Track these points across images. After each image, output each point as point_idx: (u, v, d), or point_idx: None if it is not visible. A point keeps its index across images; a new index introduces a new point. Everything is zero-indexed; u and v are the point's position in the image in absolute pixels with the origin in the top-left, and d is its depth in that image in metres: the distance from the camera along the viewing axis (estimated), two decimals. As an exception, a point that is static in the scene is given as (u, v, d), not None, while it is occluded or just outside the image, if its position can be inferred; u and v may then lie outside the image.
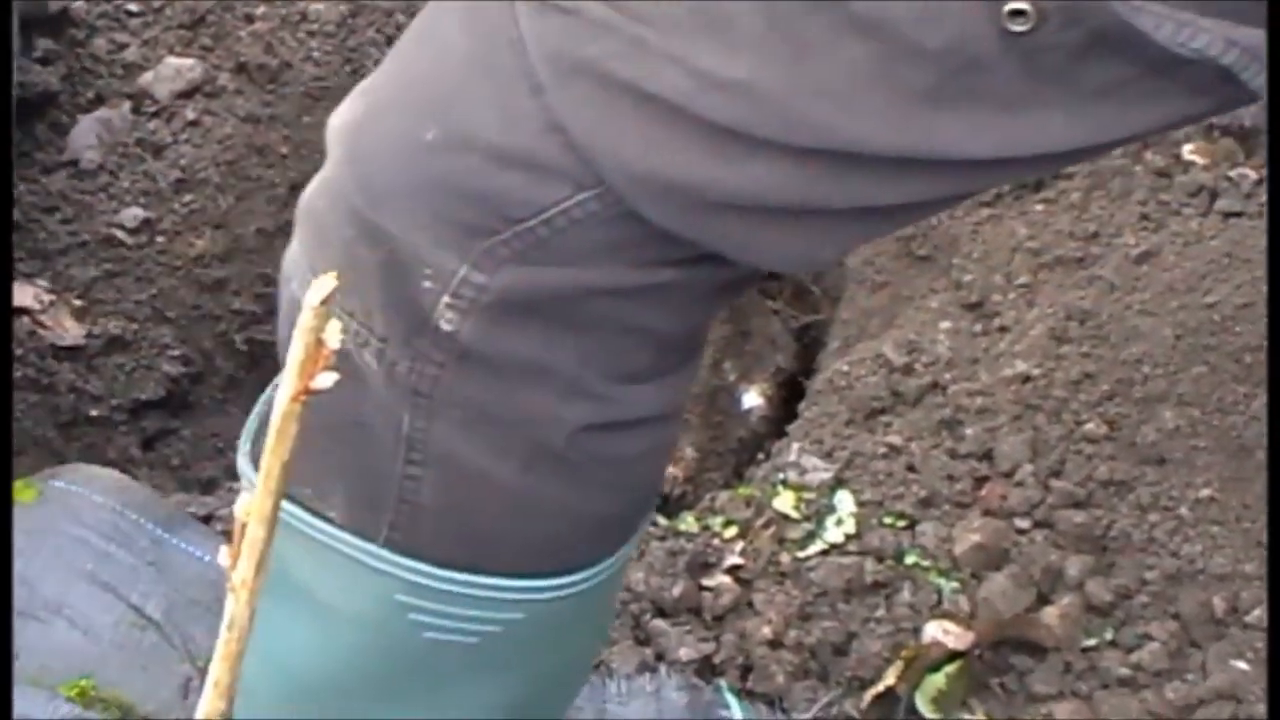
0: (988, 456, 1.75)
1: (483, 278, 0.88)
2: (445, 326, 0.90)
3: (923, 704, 1.58)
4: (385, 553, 0.97)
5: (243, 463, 1.02)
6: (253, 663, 1.03)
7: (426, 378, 0.92)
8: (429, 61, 0.91)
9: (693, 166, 0.85)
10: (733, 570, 1.66)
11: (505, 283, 0.88)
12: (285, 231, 2.34)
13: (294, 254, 0.97)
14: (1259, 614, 1.62)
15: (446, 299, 0.89)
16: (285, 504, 0.95)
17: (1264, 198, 1.92)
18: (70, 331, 2.01)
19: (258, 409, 1.04)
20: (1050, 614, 1.62)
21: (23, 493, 1.63)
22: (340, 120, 0.94)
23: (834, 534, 1.68)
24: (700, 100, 0.83)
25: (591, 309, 0.90)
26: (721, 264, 0.90)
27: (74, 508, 1.63)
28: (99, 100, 2.18)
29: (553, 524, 0.97)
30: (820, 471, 1.75)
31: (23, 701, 1.47)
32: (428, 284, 0.89)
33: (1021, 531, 1.68)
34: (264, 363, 2.13)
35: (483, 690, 1.04)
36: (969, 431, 1.76)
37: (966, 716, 1.58)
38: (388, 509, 0.96)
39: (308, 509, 0.98)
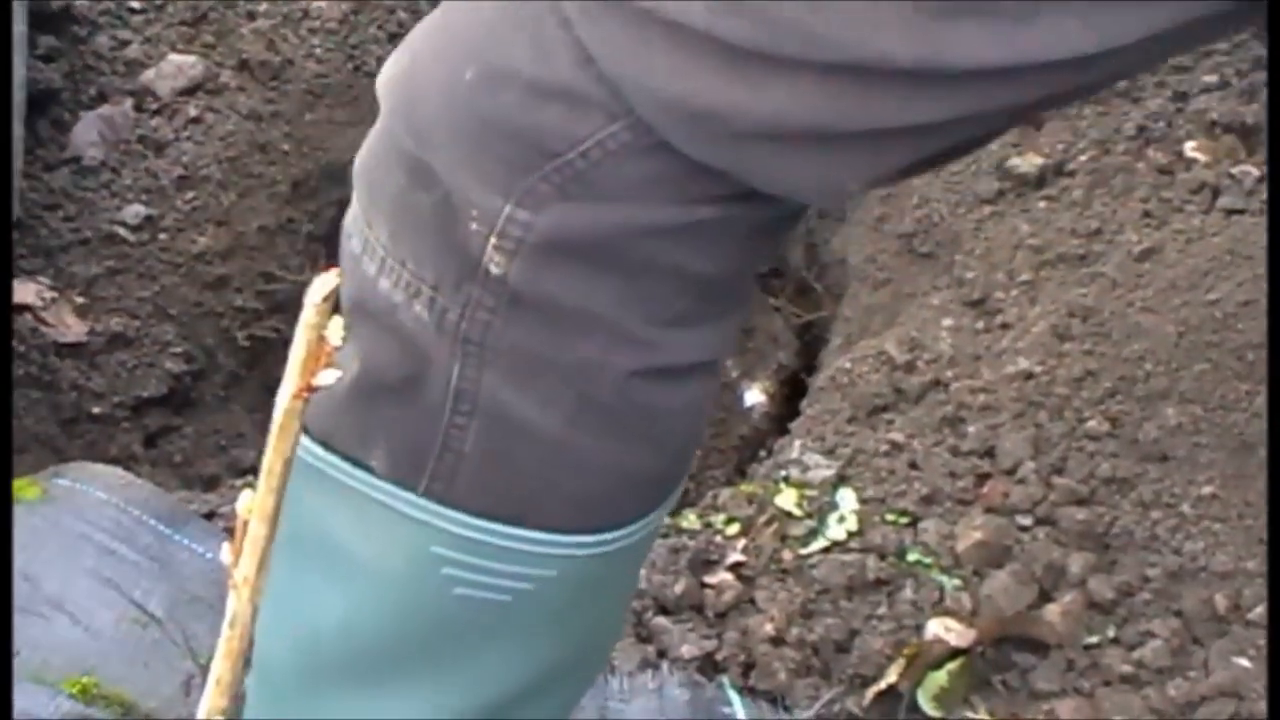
0: (990, 454, 1.75)
1: (527, 215, 0.90)
2: (494, 270, 0.91)
3: (925, 701, 1.58)
4: (425, 502, 0.98)
5: None
6: (273, 633, 1.04)
7: (477, 325, 0.93)
8: (467, 9, 0.94)
9: (717, 92, 0.86)
10: (735, 567, 1.66)
11: (549, 221, 0.90)
12: (287, 229, 2.35)
13: (353, 212, 0.99)
14: (1261, 611, 1.62)
15: (493, 240, 0.91)
16: (326, 455, 0.98)
17: (1265, 195, 1.92)
18: (72, 329, 2.01)
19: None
20: (1052, 611, 1.62)
21: (27, 490, 1.64)
22: (387, 74, 0.96)
23: (836, 531, 1.68)
24: (721, 24, 0.84)
25: (633, 250, 0.91)
26: (756, 202, 0.92)
27: (77, 505, 1.63)
28: (101, 97, 2.18)
29: (593, 479, 0.98)
30: (822, 469, 1.75)
31: (24, 698, 1.47)
32: (475, 225, 0.91)
33: (1023, 529, 1.68)
34: (266, 359, 2.13)
35: (510, 656, 1.05)
36: (971, 429, 1.76)
37: (969, 714, 1.58)
38: (430, 459, 0.97)
39: (349, 459, 0.99)
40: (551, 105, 0.89)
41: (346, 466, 0.99)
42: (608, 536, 1.00)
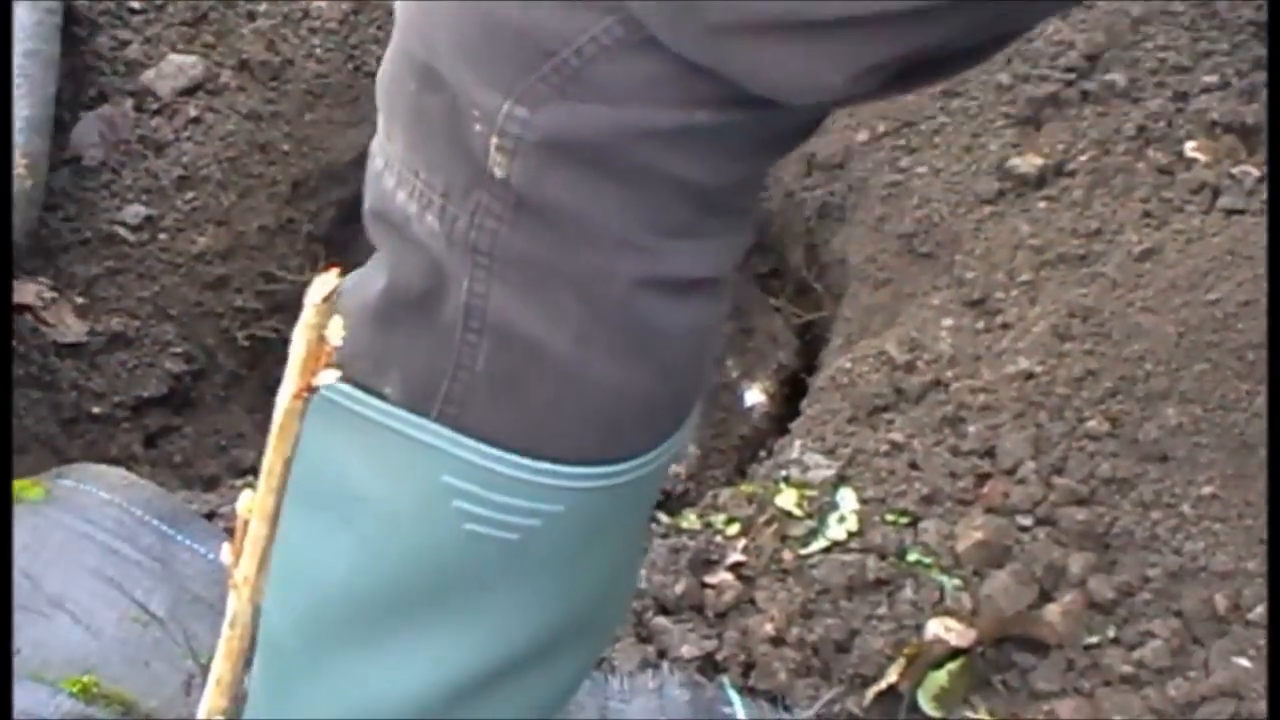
0: (990, 454, 1.75)
1: (525, 113, 0.92)
2: (498, 172, 0.93)
3: (925, 701, 1.58)
4: (437, 427, 0.99)
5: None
6: (281, 595, 1.05)
7: (486, 232, 0.95)
8: None
9: None
10: (735, 567, 1.66)
11: (546, 120, 0.91)
12: (287, 229, 2.35)
13: (378, 132, 1.02)
14: (1261, 611, 1.62)
15: (495, 140, 0.92)
16: (339, 385, 0.98)
17: (1266, 195, 1.92)
18: (72, 329, 2.01)
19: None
20: (1052, 611, 1.62)
21: (30, 490, 1.64)
22: None
23: (836, 531, 1.69)
24: None
25: (630, 155, 0.92)
26: (750, 109, 0.93)
27: (80, 504, 1.63)
28: (101, 97, 2.18)
29: (600, 402, 0.99)
30: (822, 469, 1.75)
31: (25, 697, 1.47)
32: (478, 126, 0.93)
33: (1024, 529, 1.68)
34: (266, 360, 2.13)
35: (519, 604, 1.05)
36: (971, 429, 1.76)
37: (969, 714, 1.58)
38: (444, 381, 0.98)
39: (362, 387, 1.00)
40: (547, 3, 0.91)
41: (359, 394, 1.00)
42: (614, 469, 1.01)
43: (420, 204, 0.97)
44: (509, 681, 1.08)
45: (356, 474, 1.02)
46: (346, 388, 1.01)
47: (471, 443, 0.99)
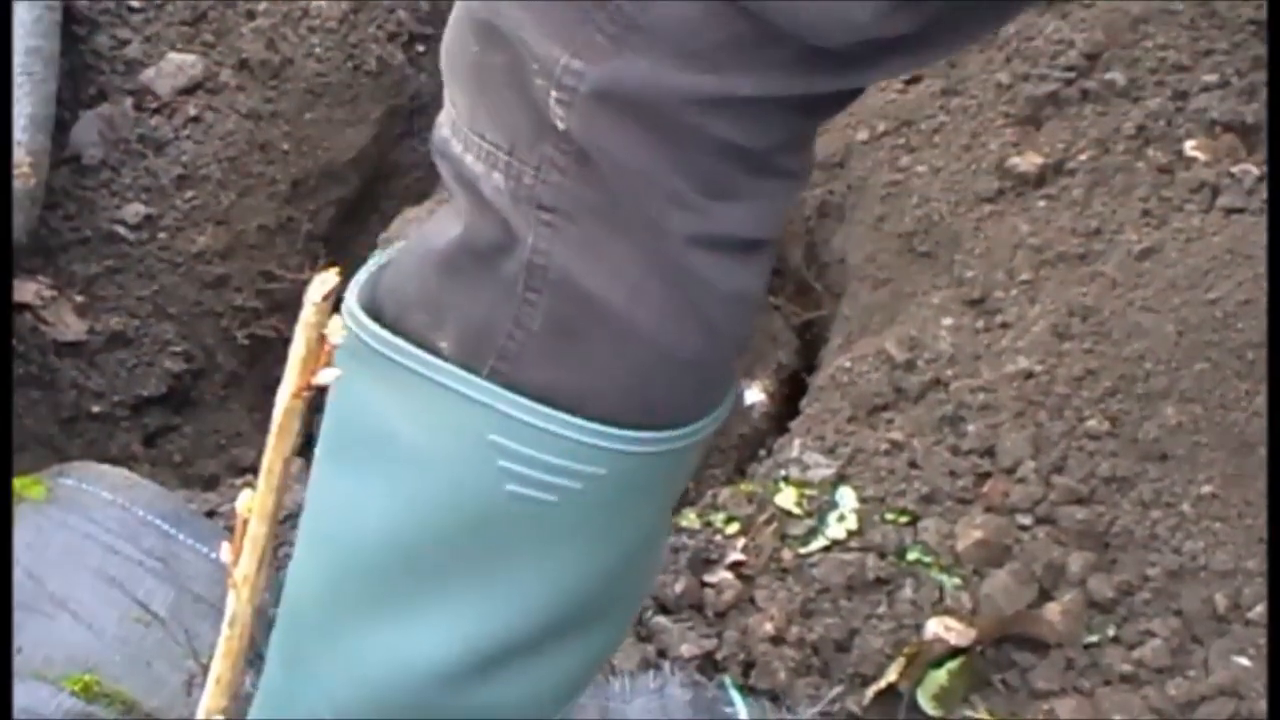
0: (990, 453, 1.75)
1: (581, 65, 0.94)
2: (558, 124, 0.96)
3: (924, 701, 1.58)
4: (488, 384, 1.01)
5: (351, 301, 1.06)
6: (308, 557, 1.06)
7: (550, 187, 0.97)
8: None
9: None
10: (735, 567, 1.66)
11: (601, 72, 0.94)
12: (287, 228, 2.35)
13: (444, 107, 1.04)
14: (1260, 610, 1.62)
15: (554, 92, 0.95)
16: (392, 339, 1.02)
17: (1265, 194, 1.92)
18: (72, 328, 2.01)
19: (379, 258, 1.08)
20: (1052, 610, 1.62)
21: (31, 488, 1.64)
22: None
23: (836, 530, 1.69)
24: None
25: (677, 117, 0.95)
26: (792, 75, 0.95)
27: (83, 504, 1.63)
28: (101, 96, 2.18)
29: (651, 364, 1.01)
30: (822, 468, 1.75)
31: (26, 695, 1.47)
32: (539, 81, 0.95)
33: (1023, 528, 1.68)
34: (265, 359, 2.13)
35: (548, 567, 1.07)
36: (971, 428, 1.76)
37: (968, 713, 1.58)
38: (500, 337, 1.00)
39: (416, 341, 1.02)
40: None
41: (412, 349, 1.02)
42: (658, 435, 1.03)
43: (487, 164, 0.99)
44: (532, 655, 1.09)
45: (401, 429, 1.03)
46: (399, 341, 1.03)
47: (522, 400, 1.01)
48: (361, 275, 1.08)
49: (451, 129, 1.02)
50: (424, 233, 1.06)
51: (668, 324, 1.00)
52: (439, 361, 1.02)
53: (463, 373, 1.01)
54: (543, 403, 1.01)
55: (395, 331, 1.03)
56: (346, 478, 1.05)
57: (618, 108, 0.95)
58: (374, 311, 1.04)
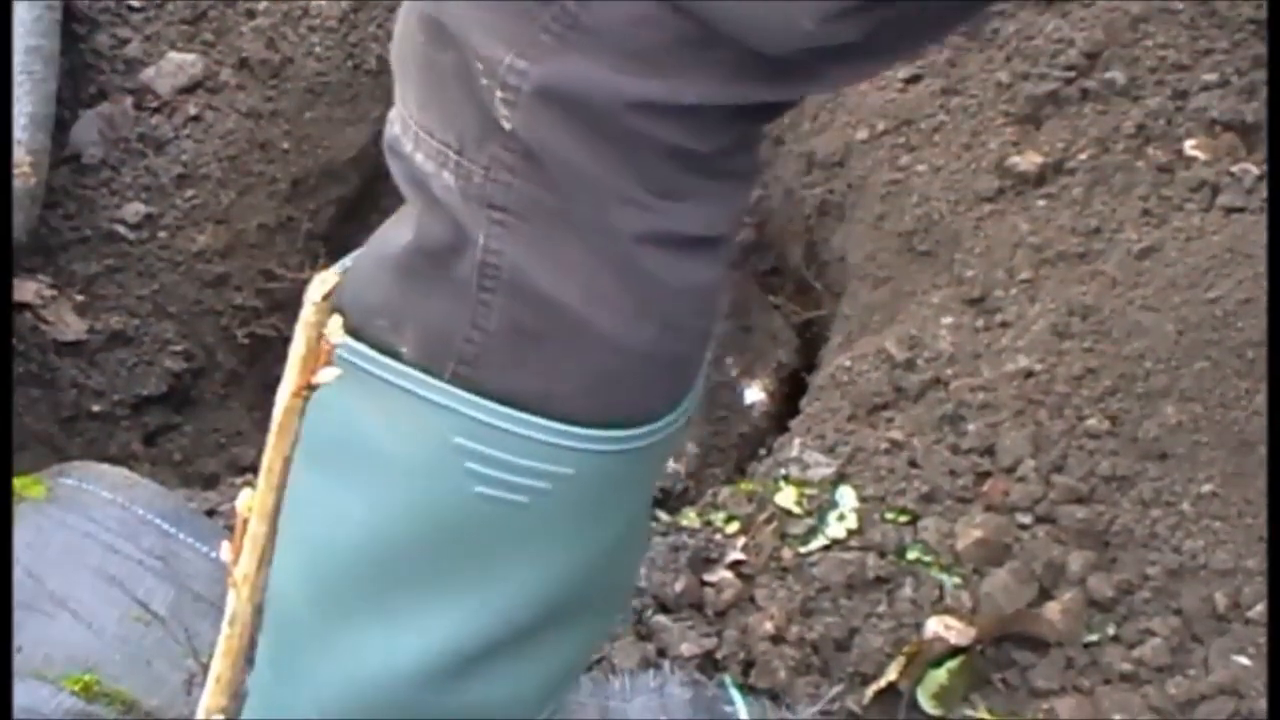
0: (989, 452, 1.75)
1: (525, 64, 0.94)
2: (504, 123, 0.95)
3: (924, 699, 1.58)
4: (450, 387, 1.01)
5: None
6: (289, 562, 1.06)
7: (500, 186, 0.97)
8: None
9: None
10: (735, 566, 1.66)
11: (544, 71, 0.94)
12: (287, 227, 2.35)
13: (396, 102, 1.04)
14: (1260, 609, 1.62)
15: (499, 92, 0.95)
16: (354, 344, 1.01)
17: (1265, 193, 1.92)
18: (72, 327, 2.01)
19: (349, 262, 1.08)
20: (1052, 609, 1.62)
21: (31, 488, 1.64)
22: None
23: (836, 529, 1.69)
24: None
25: (620, 120, 0.95)
26: (735, 81, 0.95)
27: (83, 503, 1.63)
28: (101, 95, 2.18)
29: (610, 361, 1.01)
30: (822, 467, 1.75)
31: (26, 694, 1.47)
32: (485, 80, 0.95)
33: (1023, 527, 1.68)
34: (265, 358, 2.13)
35: (525, 568, 1.07)
36: (971, 427, 1.76)
37: (968, 712, 1.58)
38: (458, 340, 1.00)
39: (377, 346, 1.02)
40: None
41: (374, 355, 1.02)
42: (623, 434, 1.03)
43: (437, 162, 0.99)
44: (515, 653, 1.09)
45: (370, 434, 1.04)
46: (362, 347, 1.02)
47: (484, 402, 1.01)
48: (328, 281, 1.08)
49: (402, 127, 1.02)
50: (380, 237, 1.05)
51: (624, 321, 1.00)
52: (401, 366, 1.02)
53: (424, 376, 1.01)
54: (506, 404, 1.01)
55: (358, 338, 1.03)
56: (321, 483, 1.05)
57: (561, 107, 0.94)
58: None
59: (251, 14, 2.26)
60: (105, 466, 1.72)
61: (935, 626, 1.60)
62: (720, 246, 1.03)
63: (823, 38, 0.93)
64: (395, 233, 1.03)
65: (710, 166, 0.98)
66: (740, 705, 1.56)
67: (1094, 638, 1.62)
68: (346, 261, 1.08)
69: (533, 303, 0.99)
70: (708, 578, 1.65)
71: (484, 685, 1.09)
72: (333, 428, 1.03)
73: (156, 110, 2.17)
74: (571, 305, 0.99)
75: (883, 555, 1.66)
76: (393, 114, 1.04)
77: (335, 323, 0.70)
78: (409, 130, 1.00)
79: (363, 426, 1.04)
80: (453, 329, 1.00)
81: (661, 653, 1.60)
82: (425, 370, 1.01)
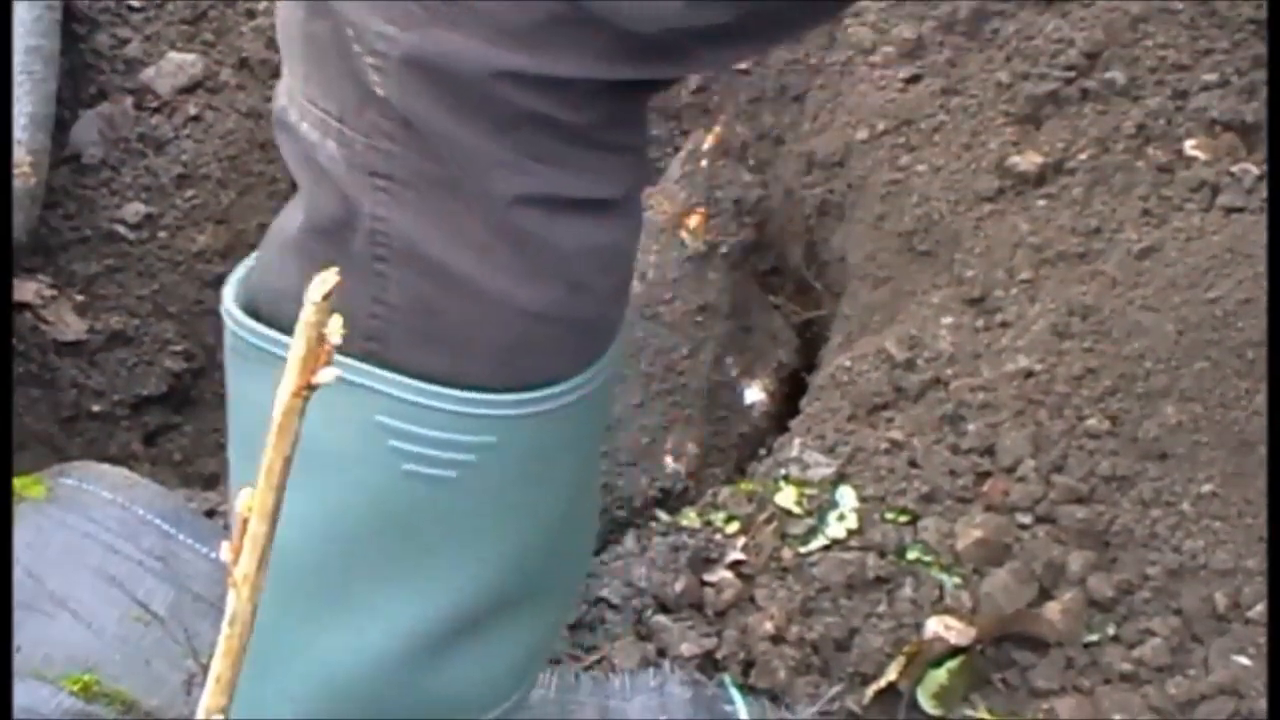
0: (990, 452, 1.75)
1: (394, 30, 0.94)
2: (379, 91, 0.95)
3: (924, 699, 1.58)
4: (363, 365, 1.00)
5: (229, 301, 1.06)
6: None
7: (381, 154, 0.97)
8: None
9: None
10: (735, 566, 1.66)
11: (412, 39, 0.94)
12: (287, 227, 2.33)
13: (282, 77, 1.05)
14: (1261, 609, 1.62)
15: (369, 58, 0.95)
16: (268, 332, 1.01)
17: (1265, 193, 1.92)
18: (72, 327, 2.01)
19: (256, 256, 1.08)
20: (1052, 609, 1.62)
21: (31, 488, 1.64)
22: None
23: (836, 529, 1.69)
24: None
25: (490, 91, 0.94)
26: (607, 60, 0.94)
27: (83, 504, 1.63)
28: (101, 95, 2.18)
29: (514, 324, 1.00)
30: (822, 467, 1.75)
31: (26, 694, 1.47)
32: (356, 47, 0.95)
33: (1023, 527, 1.68)
34: (266, 358, 2.13)
35: (466, 548, 1.06)
36: (971, 427, 1.76)
37: (968, 712, 1.58)
38: (363, 316, 1.00)
39: (290, 332, 1.02)
40: None
41: (287, 340, 1.01)
42: (538, 394, 1.02)
43: (321, 131, 0.99)
44: (480, 633, 1.09)
45: (303, 426, 1.03)
46: (274, 334, 1.02)
47: (396, 378, 1.00)
48: (237, 273, 1.08)
49: (289, 98, 1.02)
50: (278, 223, 1.05)
51: (521, 284, 0.99)
52: None
53: (339, 357, 1.01)
54: (419, 377, 1.00)
55: (273, 326, 1.03)
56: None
57: (429, 75, 0.94)
58: (251, 309, 1.04)
59: (251, 14, 2.26)
60: (105, 467, 1.72)
61: (935, 626, 1.60)
62: (615, 208, 1.02)
63: (694, 18, 0.93)
64: (290, 216, 1.03)
65: (587, 138, 0.98)
66: (740, 705, 1.56)
67: (1094, 638, 1.62)
68: (254, 256, 1.08)
69: (428, 271, 0.99)
70: (708, 578, 1.65)
71: (453, 668, 1.09)
72: (260, 426, 1.03)
73: (156, 110, 2.18)
74: (465, 271, 0.98)
75: (883, 555, 1.66)
76: (280, 87, 1.05)
77: (335, 323, 0.70)
78: (295, 101, 1.01)
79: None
80: (356, 306, 0.99)
81: (661, 653, 1.60)
82: (339, 350, 1.01)
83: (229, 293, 1.07)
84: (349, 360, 1.00)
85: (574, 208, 0.99)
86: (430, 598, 1.07)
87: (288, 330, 1.01)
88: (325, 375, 0.71)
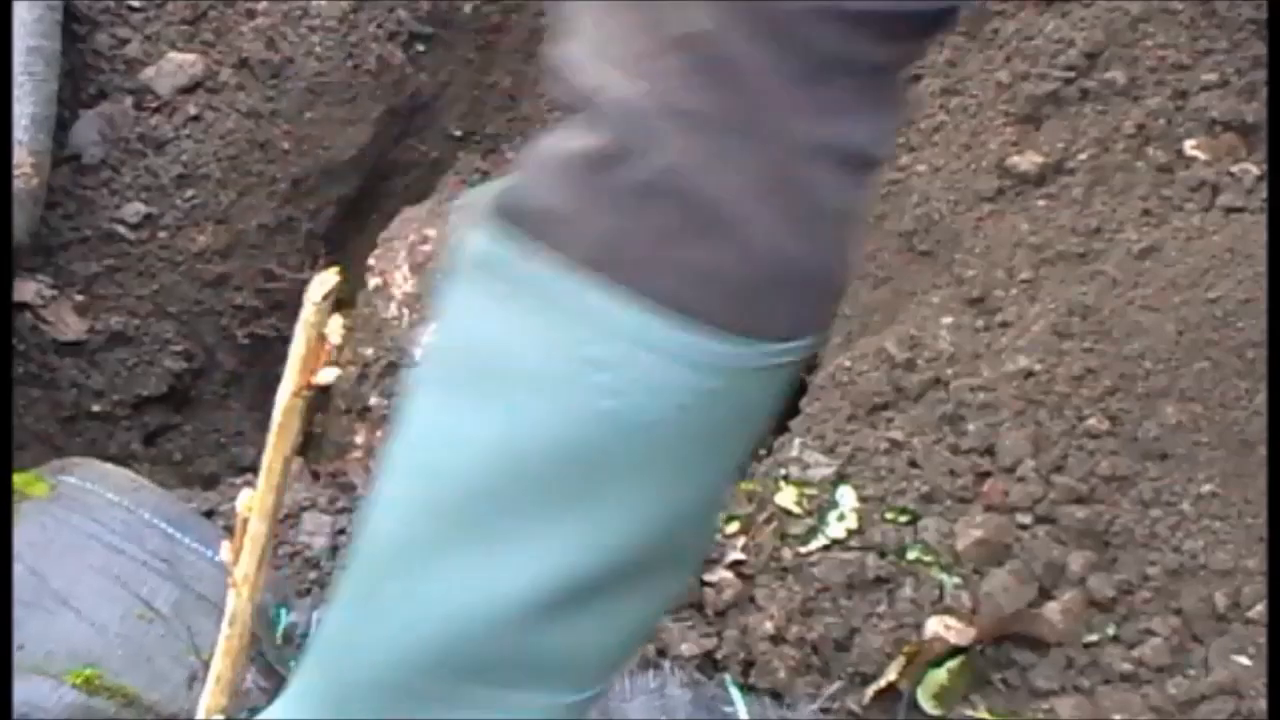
0: (990, 452, 1.75)
1: None
2: (689, 29, 0.97)
3: (924, 699, 1.58)
4: (603, 294, 1.00)
5: (480, 217, 1.05)
6: (396, 485, 1.06)
7: (674, 94, 0.98)
8: None
9: None
10: (735, 565, 1.66)
11: None
12: (287, 227, 2.35)
13: (561, 45, 1.04)
14: (1260, 609, 1.62)
15: None
16: (494, 248, 1.01)
17: (1265, 193, 1.92)
18: (72, 327, 2.01)
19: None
20: (1052, 609, 1.62)
21: (34, 486, 1.64)
22: None
23: (836, 529, 1.69)
24: None
25: (810, 31, 0.96)
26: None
27: (88, 504, 1.63)
28: (101, 95, 2.18)
29: (769, 274, 1.01)
30: (822, 467, 1.75)
31: (28, 689, 1.47)
32: None
33: (1023, 527, 1.68)
34: (265, 358, 2.13)
35: (633, 496, 1.06)
36: (971, 427, 1.76)
37: (968, 712, 1.58)
38: (620, 245, 1.00)
39: (521, 249, 1.02)
40: None
41: (517, 257, 1.01)
42: (759, 349, 1.03)
43: (611, 71, 1.00)
44: (610, 594, 1.08)
45: (514, 347, 1.03)
46: (506, 248, 1.02)
47: (634, 310, 1.00)
48: (488, 192, 1.07)
49: (576, 46, 1.02)
50: (544, 146, 1.05)
51: (792, 234, 1.00)
52: (558, 274, 1.01)
53: (577, 281, 1.01)
54: (653, 312, 1.00)
55: (507, 238, 1.02)
56: (444, 403, 1.04)
57: (751, 9, 0.95)
58: (482, 220, 1.04)
59: (251, 14, 2.26)
60: (109, 467, 1.72)
61: (935, 626, 1.60)
62: (876, 173, 1.04)
63: None
64: (567, 136, 1.03)
65: (887, 85, 1.00)
66: (740, 705, 1.56)
67: (1094, 638, 1.62)
68: (506, 179, 1.07)
69: (696, 208, 0.99)
70: (708, 578, 1.65)
71: (566, 633, 1.08)
72: (463, 341, 1.04)
73: (156, 110, 2.18)
74: (739, 213, 0.99)
75: (883, 555, 1.66)
76: (558, 52, 1.04)
77: (335, 323, 0.70)
78: (584, 47, 1.01)
79: (494, 337, 1.04)
80: (614, 234, 1.00)
81: (661, 653, 1.60)
82: (586, 278, 1.00)
83: (475, 213, 1.06)
84: (587, 286, 1.00)
85: (859, 165, 1.01)
86: (582, 546, 1.06)
87: (518, 247, 1.01)
88: (325, 375, 0.71)
